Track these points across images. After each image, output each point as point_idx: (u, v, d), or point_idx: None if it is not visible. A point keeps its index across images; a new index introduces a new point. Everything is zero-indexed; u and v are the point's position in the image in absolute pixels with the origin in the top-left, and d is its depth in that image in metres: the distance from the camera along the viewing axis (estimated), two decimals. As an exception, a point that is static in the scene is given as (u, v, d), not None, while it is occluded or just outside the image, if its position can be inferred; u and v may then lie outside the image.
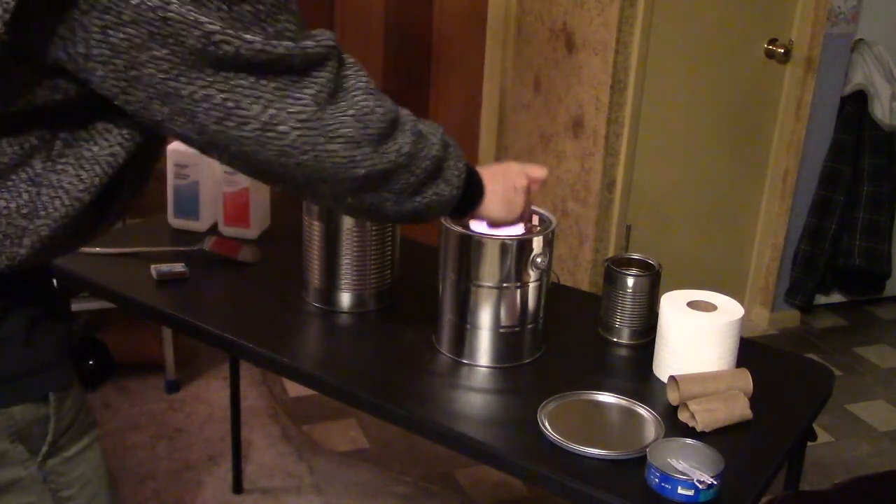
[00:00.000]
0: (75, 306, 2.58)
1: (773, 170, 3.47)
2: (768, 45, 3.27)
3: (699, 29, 3.14)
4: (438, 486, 2.59)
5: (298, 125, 0.99)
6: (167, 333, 2.86)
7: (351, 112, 1.04)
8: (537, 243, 1.43)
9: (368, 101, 1.06)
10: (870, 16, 3.39)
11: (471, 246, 1.43)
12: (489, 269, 1.43)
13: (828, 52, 3.30)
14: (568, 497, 1.21)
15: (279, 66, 0.95)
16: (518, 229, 1.43)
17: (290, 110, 0.98)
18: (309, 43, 0.97)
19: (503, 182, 1.35)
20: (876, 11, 3.40)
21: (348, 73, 1.05)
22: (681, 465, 1.17)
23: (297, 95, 0.98)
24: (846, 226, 3.58)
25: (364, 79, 1.07)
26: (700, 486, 1.14)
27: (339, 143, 1.04)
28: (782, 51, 3.26)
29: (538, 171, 1.42)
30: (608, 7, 2.99)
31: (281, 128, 0.98)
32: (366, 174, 1.09)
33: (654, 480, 1.17)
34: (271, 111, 0.97)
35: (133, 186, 1.08)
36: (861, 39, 3.43)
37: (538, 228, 1.48)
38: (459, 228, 1.44)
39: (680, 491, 1.15)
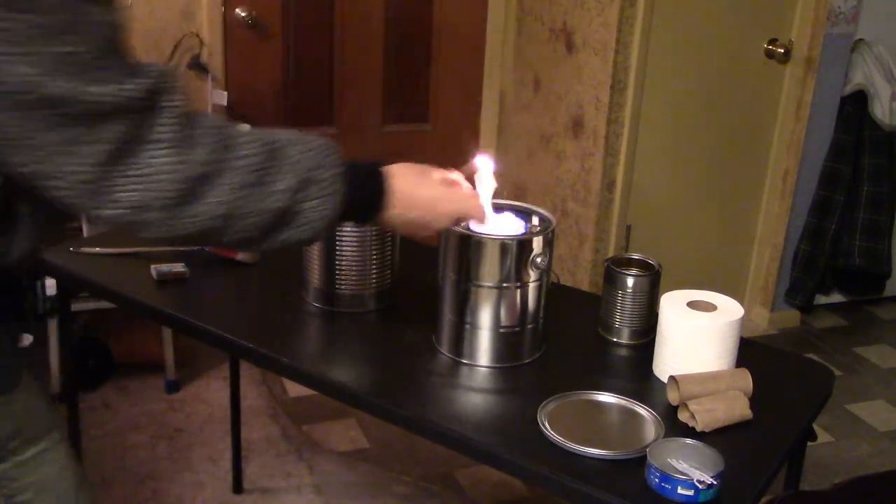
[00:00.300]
0: (75, 306, 2.58)
1: (773, 170, 3.47)
2: (768, 45, 3.27)
3: (699, 29, 3.14)
4: (438, 486, 2.59)
5: (75, 186, 0.91)
6: (167, 333, 2.86)
7: (135, 174, 0.93)
8: (537, 243, 1.43)
9: (164, 159, 0.94)
10: (870, 16, 3.39)
11: (471, 246, 1.43)
12: (489, 269, 1.43)
13: (828, 52, 3.30)
14: (568, 497, 1.21)
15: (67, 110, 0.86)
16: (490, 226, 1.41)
17: (66, 169, 0.90)
18: (94, 90, 0.87)
19: (426, 186, 1.26)
20: (876, 11, 3.40)
21: (158, 121, 0.94)
22: (681, 465, 1.17)
23: (80, 151, 0.89)
24: (846, 226, 3.58)
25: (173, 130, 0.95)
26: (700, 486, 1.14)
27: (121, 208, 0.94)
28: (782, 51, 3.26)
29: (454, 176, 1.33)
30: (608, 7, 2.99)
31: (60, 184, 0.91)
32: (174, 237, 1.00)
33: (654, 480, 1.17)
34: (48, 165, 0.89)
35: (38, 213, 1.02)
36: (861, 39, 3.43)
37: (538, 228, 1.48)
38: (459, 228, 1.44)
39: (680, 491, 1.15)
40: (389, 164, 1.23)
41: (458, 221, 1.34)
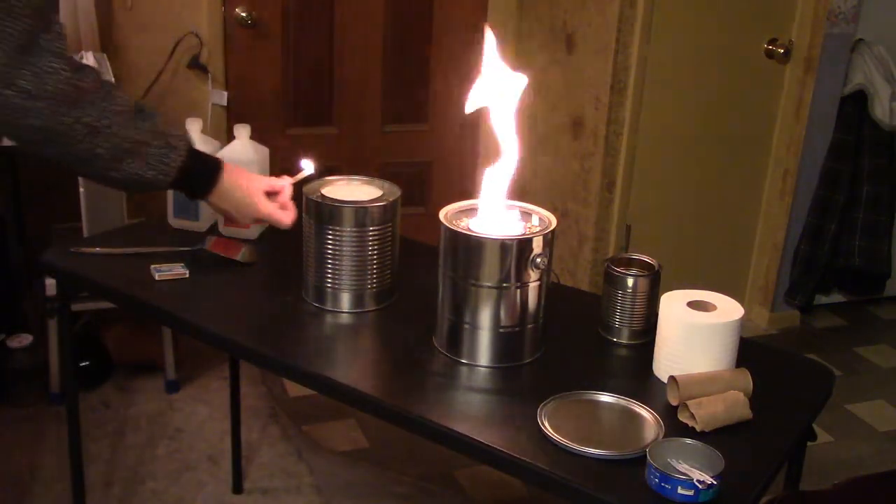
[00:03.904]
0: (75, 306, 2.58)
1: (773, 170, 3.47)
2: (768, 45, 3.27)
3: (699, 29, 3.14)
4: (438, 486, 2.59)
5: None
6: (167, 333, 2.86)
7: (32, 68, 1.25)
8: (537, 243, 1.43)
9: (55, 64, 1.27)
10: (870, 16, 3.39)
11: (471, 246, 1.43)
12: (489, 269, 1.43)
13: (828, 52, 3.30)
14: (568, 497, 1.21)
15: None
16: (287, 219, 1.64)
17: None
18: None
19: (245, 186, 1.59)
20: (876, 11, 3.41)
21: (49, 36, 1.27)
22: (681, 465, 1.17)
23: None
24: (846, 226, 3.58)
25: (63, 50, 1.29)
26: (700, 486, 1.14)
27: (12, 90, 1.25)
28: (782, 51, 3.26)
29: (279, 183, 1.65)
30: (608, 7, 2.99)
31: None
32: (41, 127, 1.30)
33: (654, 480, 1.17)
34: None
35: None
36: (861, 39, 3.43)
37: (538, 228, 1.48)
38: (460, 228, 1.44)
39: (680, 491, 1.15)
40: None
41: (259, 222, 1.70)
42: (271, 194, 1.65)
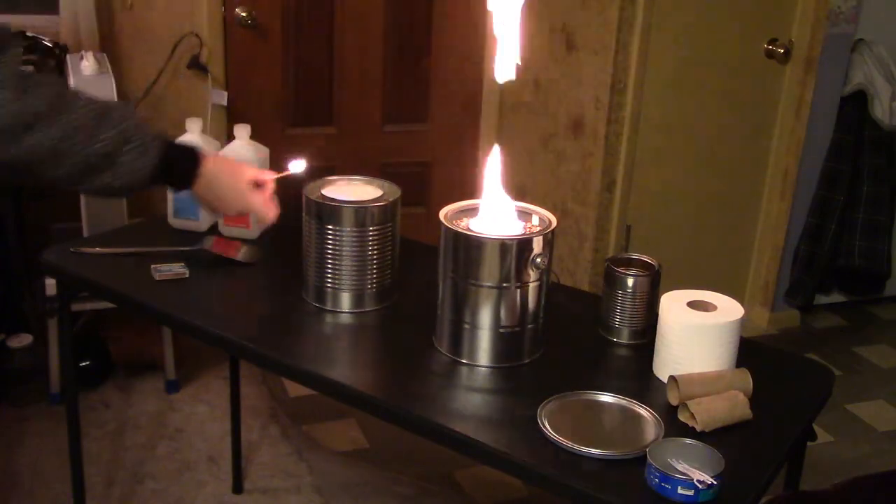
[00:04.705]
0: (75, 306, 2.58)
1: (773, 170, 3.47)
2: (768, 45, 3.27)
3: (699, 29, 3.14)
4: (438, 486, 2.59)
5: None
6: (167, 333, 2.86)
7: None
8: (537, 243, 1.43)
9: (4, 94, 1.23)
10: (870, 16, 3.39)
11: (471, 246, 1.43)
12: (489, 269, 1.43)
13: (828, 52, 3.30)
14: (568, 497, 1.21)
15: None
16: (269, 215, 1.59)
17: None
18: None
19: (230, 173, 1.55)
20: (876, 11, 3.40)
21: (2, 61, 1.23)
22: (681, 465, 1.17)
23: None
24: (846, 226, 3.58)
25: (7, 73, 1.24)
26: (700, 486, 1.14)
27: None
28: (782, 51, 3.26)
29: (265, 176, 1.60)
30: (608, 7, 2.99)
31: None
32: (9, 159, 1.27)
33: (654, 480, 1.17)
34: None
35: None
36: (861, 39, 3.43)
37: (538, 228, 1.48)
38: (460, 228, 1.44)
39: (680, 491, 1.15)
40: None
41: (241, 215, 1.70)
42: (257, 186, 1.60)
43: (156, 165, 1.42)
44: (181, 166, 1.50)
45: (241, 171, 1.58)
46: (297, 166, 1.68)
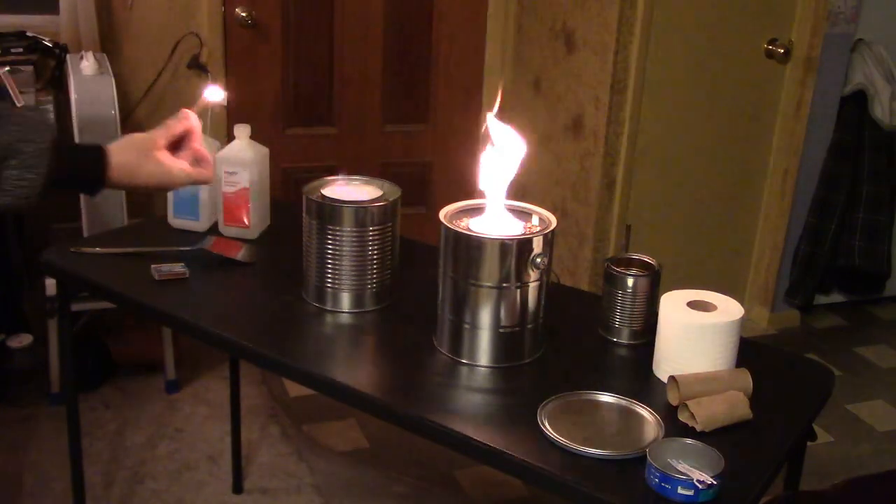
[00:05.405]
0: (75, 306, 2.58)
1: (773, 170, 3.47)
2: (768, 45, 3.27)
3: (699, 29, 3.14)
4: (438, 486, 2.59)
5: None
6: (167, 333, 2.86)
7: None
8: (537, 243, 1.43)
9: None
10: (870, 16, 3.39)
11: (471, 246, 1.43)
12: (489, 269, 1.43)
13: (828, 52, 3.30)
14: (568, 497, 1.21)
15: None
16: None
17: None
18: None
19: (136, 160, 1.41)
20: (876, 11, 3.41)
21: None
22: (681, 465, 1.17)
23: None
24: (846, 226, 3.58)
25: None
26: (700, 486, 1.14)
27: None
28: (782, 51, 3.26)
29: (179, 126, 1.46)
30: (608, 7, 2.99)
31: None
32: None
33: (654, 480, 1.17)
34: None
35: None
36: (861, 39, 3.43)
37: (538, 228, 1.48)
38: (460, 228, 1.44)
39: (680, 491, 1.15)
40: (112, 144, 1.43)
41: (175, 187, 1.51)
42: (179, 145, 1.47)
43: (45, 175, 1.29)
44: (83, 172, 1.39)
45: (149, 144, 1.44)
46: (214, 94, 1.56)
